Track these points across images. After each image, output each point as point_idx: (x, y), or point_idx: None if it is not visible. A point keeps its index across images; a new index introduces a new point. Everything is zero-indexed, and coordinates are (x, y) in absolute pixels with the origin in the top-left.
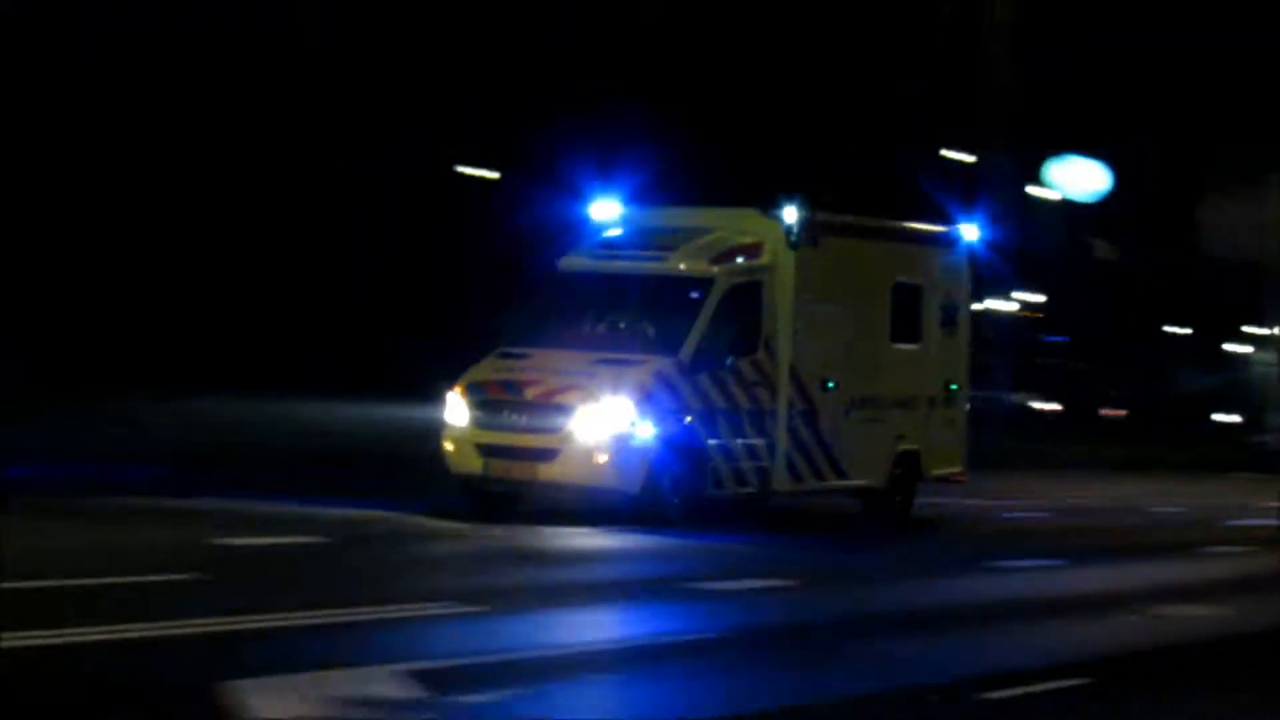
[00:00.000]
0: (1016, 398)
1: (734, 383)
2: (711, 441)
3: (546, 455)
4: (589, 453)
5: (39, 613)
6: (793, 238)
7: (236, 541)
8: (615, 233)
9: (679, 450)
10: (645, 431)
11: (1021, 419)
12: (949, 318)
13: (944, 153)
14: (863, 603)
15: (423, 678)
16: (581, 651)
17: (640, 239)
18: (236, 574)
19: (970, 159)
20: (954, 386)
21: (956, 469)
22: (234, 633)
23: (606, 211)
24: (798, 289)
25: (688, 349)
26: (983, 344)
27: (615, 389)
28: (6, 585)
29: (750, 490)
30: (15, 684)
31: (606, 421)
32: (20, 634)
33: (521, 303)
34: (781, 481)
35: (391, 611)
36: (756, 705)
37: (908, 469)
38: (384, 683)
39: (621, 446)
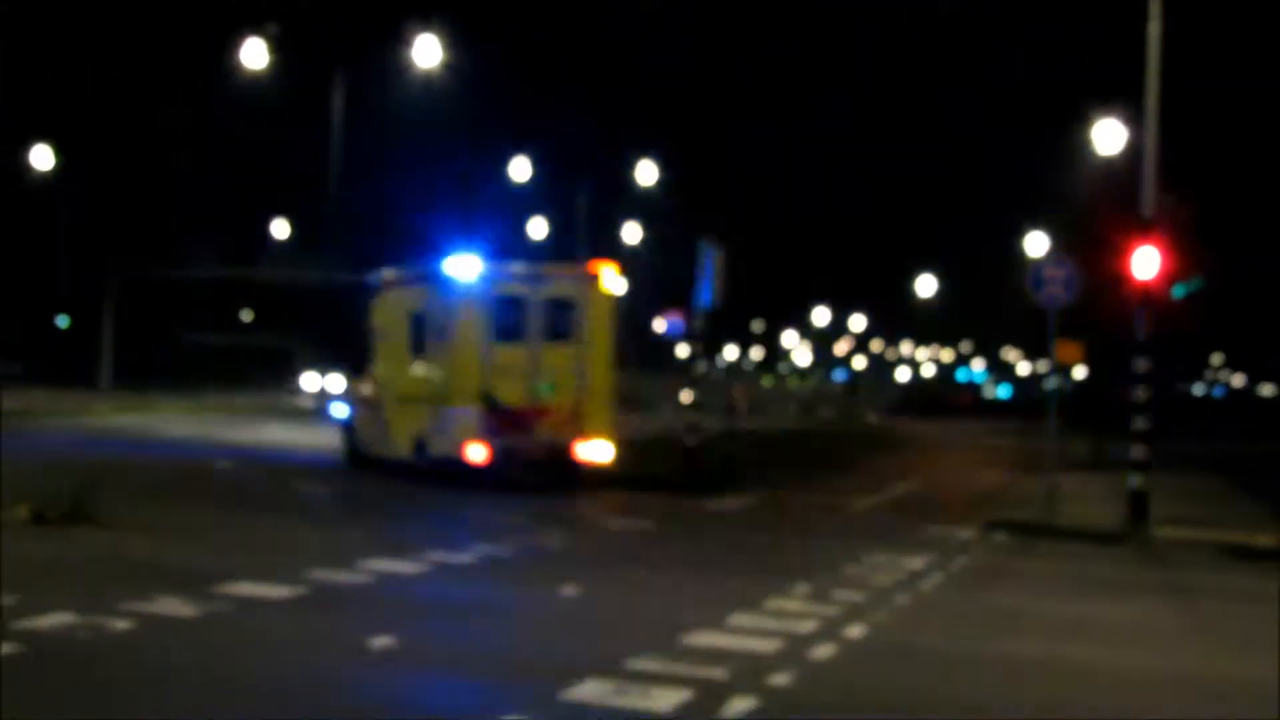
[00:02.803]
0: None
1: (359, 388)
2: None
3: None
4: None
5: None
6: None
7: None
8: None
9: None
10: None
11: None
12: (439, 337)
13: None
14: None
15: None
16: None
17: None
18: None
19: None
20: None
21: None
22: None
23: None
24: (372, 326)
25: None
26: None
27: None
28: None
29: (378, 455)
30: None
31: None
32: None
33: None
34: (377, 451)
35: None
36: None
37: (428, 450)
38: None
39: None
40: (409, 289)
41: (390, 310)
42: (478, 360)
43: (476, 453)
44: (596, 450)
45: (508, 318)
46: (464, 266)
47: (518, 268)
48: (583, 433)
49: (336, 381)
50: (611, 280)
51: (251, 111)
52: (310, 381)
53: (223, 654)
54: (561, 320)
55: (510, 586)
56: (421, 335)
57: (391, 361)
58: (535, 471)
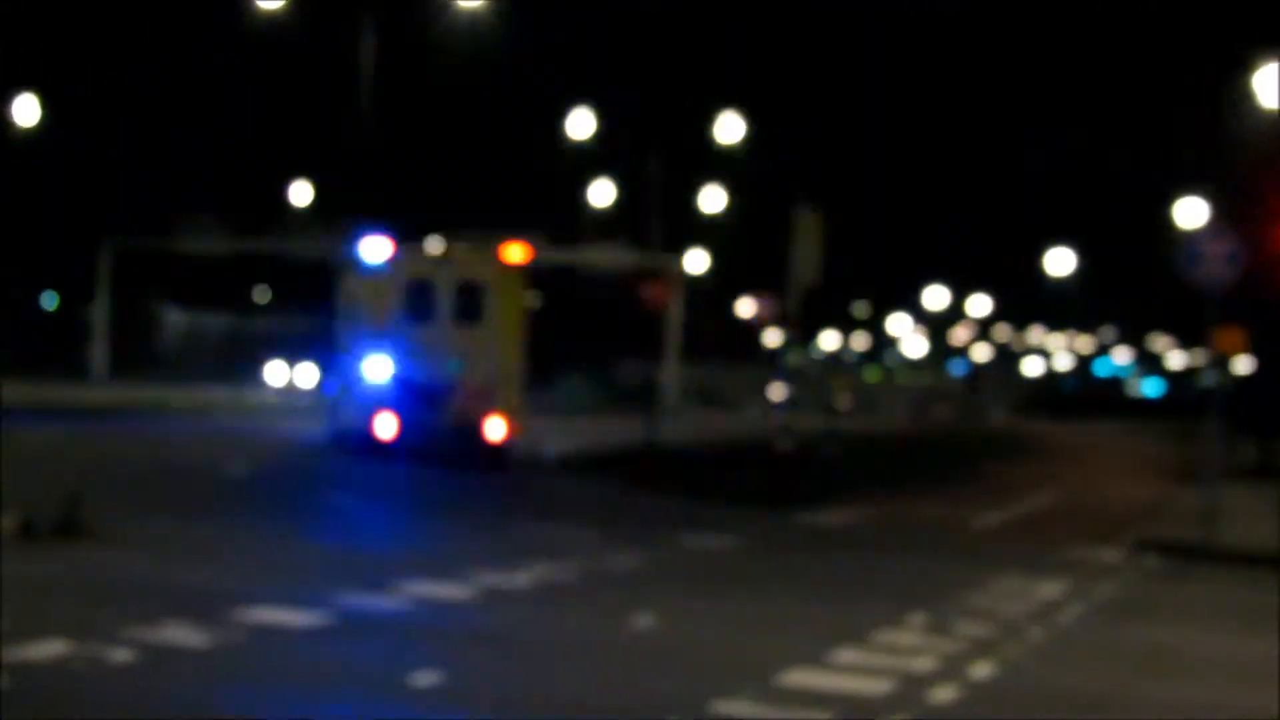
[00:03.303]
0: None
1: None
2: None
3: None
4: None
5: None
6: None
7: None
8: None
9: None
10: None
11: None
12: (360, 317)
13: None
14: None
15: None
16: None
17: None
18: None
19: None
20: None
21: None
22: None
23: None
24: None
25: None
26: None
27: None
28: None
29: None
30: None
31: None
32: None
33: None
34: (342, 426)
35: None
36: None
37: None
38: None
39: None
40: (349, 270)
41: (344, 290)
42: (389, 339)
43: (385, 427)
44: (504, 428)
45: (418, 299)
46: (373, 250)
47: (428, 250)
48: (492, 411)
49: (306, 372)
50: (518, 262)
51: (268, 58)
52: (276, 373)
53: (239, 691)
54: (471, 301)
55: (574, 614)
56: (356, 315)
57: (344, 340)
58: (444, 447)
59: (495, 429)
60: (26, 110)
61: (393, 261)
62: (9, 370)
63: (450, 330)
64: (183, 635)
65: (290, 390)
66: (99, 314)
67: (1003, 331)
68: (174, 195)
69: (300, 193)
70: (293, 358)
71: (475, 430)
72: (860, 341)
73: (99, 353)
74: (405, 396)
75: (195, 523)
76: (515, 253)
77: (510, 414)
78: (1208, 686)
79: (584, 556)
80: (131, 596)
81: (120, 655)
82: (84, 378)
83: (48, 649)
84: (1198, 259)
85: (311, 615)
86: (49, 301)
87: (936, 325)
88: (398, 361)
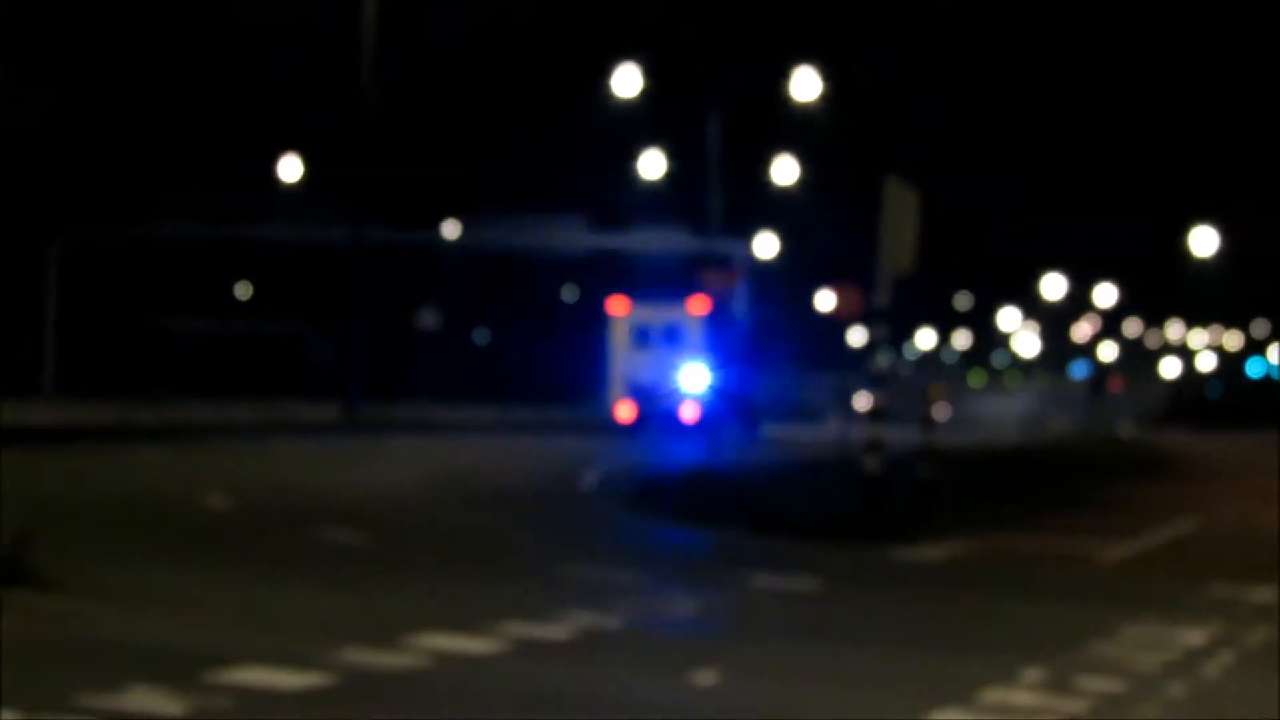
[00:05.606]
0: None
1: None
2: None
3: None
4: None
5: None
6: None
7: None
8: None
9: None
10: None
11: None
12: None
13: None
14: None
15: None
16: None
17: None
18: None
19: None
20: None
21: None
22: None
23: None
24: None
25: None
26: None
27: None
28: None
29: None
30: None
31: None
32: None
33: None
34: None
35: None
36: None
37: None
38: None
39: None
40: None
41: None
42: (625, 359)
43: (625, 412)
44: (691, 411)
45: (642, 335)
46: (619, 307)
47: (649, 302)
48: (684, 402)
49: None
50: (702, 312)
51: (249, 9)
52: None
53: None
54: (673, 336)
55: (621, 670)
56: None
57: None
58: (659, 425)
59: (687, 411)
60: None
61: (629, 314)
62: None
63: (661, 353)
64: (152, 702)
65: None
66: (48, 318)
67: (1134, 326)
68: (137, 174)
69: (290, 168)
70: None
71: (675, 414)
72: (962, 340)
73: (48, 364)
74: (638, 394)
75: (167, 566)
76: (697, 305)
77: (694, 404)
78: None
79: (632, 602)
80: (91, 656)
81: None
82: (33, 395)
83: None
84: None
85: (306, 676)
86: None
87: (1054, 320)
88: (635, 372)
